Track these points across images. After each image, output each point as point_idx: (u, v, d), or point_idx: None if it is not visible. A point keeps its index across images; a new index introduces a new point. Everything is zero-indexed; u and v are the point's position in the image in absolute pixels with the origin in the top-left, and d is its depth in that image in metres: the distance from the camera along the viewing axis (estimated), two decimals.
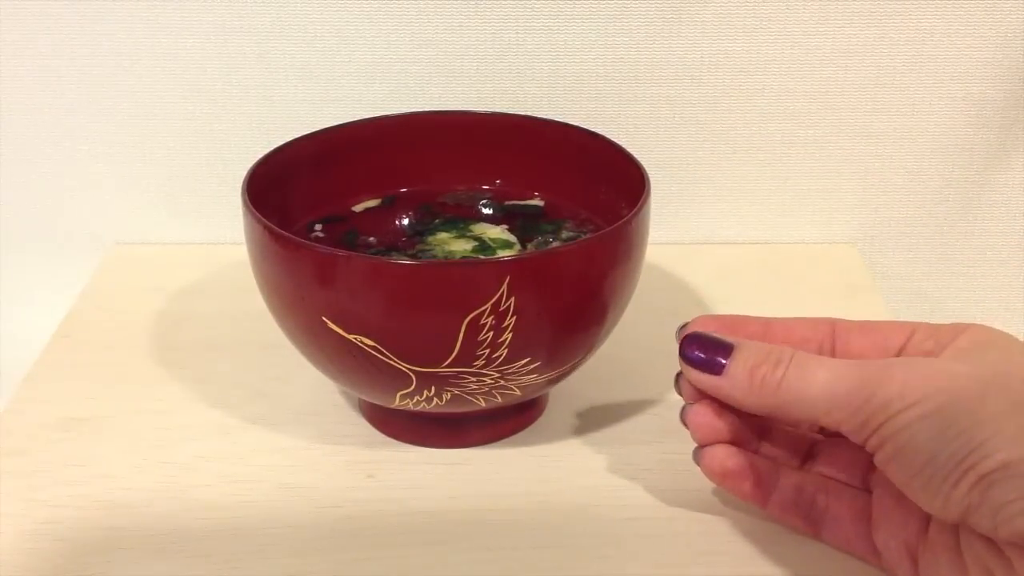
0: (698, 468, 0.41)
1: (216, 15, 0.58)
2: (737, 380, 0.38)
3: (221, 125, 0.61)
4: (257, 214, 0.42)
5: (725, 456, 0.40)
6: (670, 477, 0.45)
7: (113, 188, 0.63)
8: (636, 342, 0.49)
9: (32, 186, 0.62)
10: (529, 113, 0.54)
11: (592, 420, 0.49)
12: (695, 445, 0.41)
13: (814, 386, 0.36)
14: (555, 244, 0.49)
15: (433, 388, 0.42)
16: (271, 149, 0.48)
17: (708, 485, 0.44)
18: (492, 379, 0.42)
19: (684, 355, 0.39)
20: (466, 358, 0.40)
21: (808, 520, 0.41)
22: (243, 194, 0.44)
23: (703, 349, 0.39)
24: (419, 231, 0.51)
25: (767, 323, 0.41)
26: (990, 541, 0.34)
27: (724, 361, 0.38)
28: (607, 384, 0.51)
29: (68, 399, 0.50)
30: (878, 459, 0.36)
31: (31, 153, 0.62)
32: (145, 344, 0.54)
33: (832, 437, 0.42)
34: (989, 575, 0.34)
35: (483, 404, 0.43)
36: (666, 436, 0.47)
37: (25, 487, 0.45)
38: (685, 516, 0.43)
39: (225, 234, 0.62)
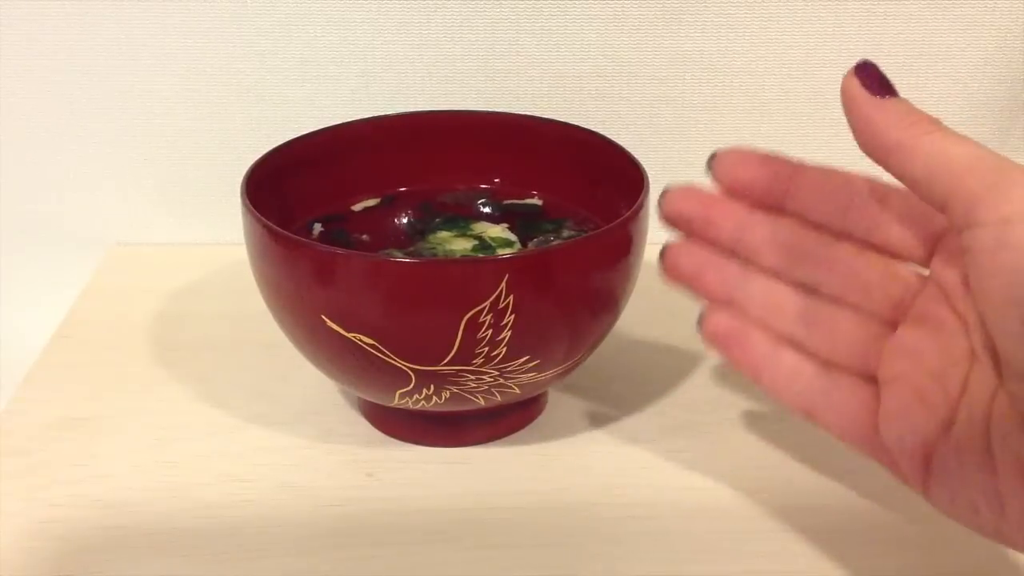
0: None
1: (216, 15, 0.58)
2: (893, 105, 0.36)
3: (221, 125, 0.61)
4: (256, 213, 0.42)
5: (722, 317, 0.39)
6: (671, 476, 0.45)
7: (113, 188, 0.63)
8: (636, 341, 0.49)
9: (32, 186, 0.62)
10: (529, 113, 0.54)
11: (592, 419, 0.49)
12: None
13: (961, 145, 0.34)
14: (555, 243, 0.49)
15: (432, 387, 0.42)
16: (271, 149, 0.48)
17: (708, 484, 0.44)
18: (491, 377, 0.42)
19: (857, 68, 0.37)
20: (465, 356, 0.40)
21: (801, 401, 0.38)
22: (242, 194, 0.44)
23: (879, 76, 0.37)
24: (419, 230, 0.52)
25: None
26: None
27: (891, 93, 0.36)
28: (607, 383, 0.51)
29: (68, 399, 0.50)
30: (977, 261, 0.32)
31: (31, 153, 0.62)
32: (145, 344, 0.54)
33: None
34: (1022, 468, 0.32)
35: (482, 403, 0.43)
36: (666, 435, 0.47)
37: (25, 487, 0.45)
38: (685, 515, 0.43)
39: (225, 234, 0.62)
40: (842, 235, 0.38)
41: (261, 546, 0.42)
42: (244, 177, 0.45)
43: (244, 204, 0.43)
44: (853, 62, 0.59)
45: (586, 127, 0.51)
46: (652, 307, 0.52)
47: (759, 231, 0.39)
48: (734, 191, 0.39)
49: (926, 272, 0.37)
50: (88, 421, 0.49)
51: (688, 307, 0.46)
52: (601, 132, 0.50)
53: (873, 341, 0.37)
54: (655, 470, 0.45)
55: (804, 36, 0.59)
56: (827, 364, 0.38)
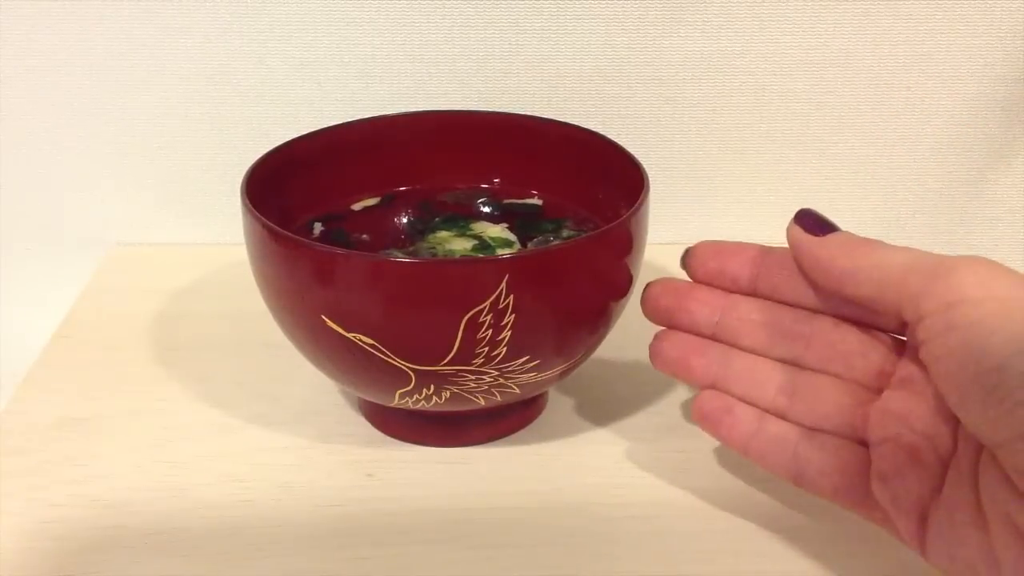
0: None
1: (216, 15, 0.58)
2: (832, 240, 0.38)
3: (221, 125, 0.61)
4: (256, 213, 0.42)
5: (709, 397, 0.41)
6: (670, 476, 0.45)
7: (113, 188, 0.63)
8: (636, 341, 0.49)
9: (32, 186, 0.62)
10: (529, 113, 0.54)
11: (592, 419, 0.49)
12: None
13: (899, 254, 0.36)
14: (555, 243, 0.49)
15: (432, 387, 0.42)
16: (271, 149, 0.48)
17: (708, 484, 0.44)
18: (491, 377, 0.42)
19: (797, 216, 0.40)
20: (465, 356, 0.40)
21: (790, 469, 0.39)
22: (242, 194, 0.44)
23: (817, 218, 0.39)
24: (419, 230, 0.52)
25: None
26: (1015, 490, 0.32)
27: (830, 230, 0.39)
28: (607, 383, 0.51)
29: (68, 399, 0.50)
30: (930, 349, 0.33)
31: (31, 153, 0.62)
32: (145, 344, 0.54)
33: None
34: (1011, 525, 0.32)
35: (482, 403, 0.43)
36: (666, 435, 0.47)
37: (25, 487, 0.44)
38: (685, 515, 0.43)
39: (225, 234, 0.62)
40: (817, 310, 0.40)
41: (261, 546, 0.42)
42: (244, 177, 0.45)
43: (244, 204, 0.43)
44: (853, 62, 0.59)
45: (586, 127, 0.51)
46: None
47: (737, 314, 0.42)
48: (709, 281, 0.42)
49: (903, 338, 0.38)
50: (88, 421, 0.49)
51: None
52: (601, 132, 0.50)
53: (859, 406, 0.39)
54: (655, 470, 0.45)
55: (804, 36, 0.59)
56: (813, 430, 0.39)
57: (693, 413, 0.42)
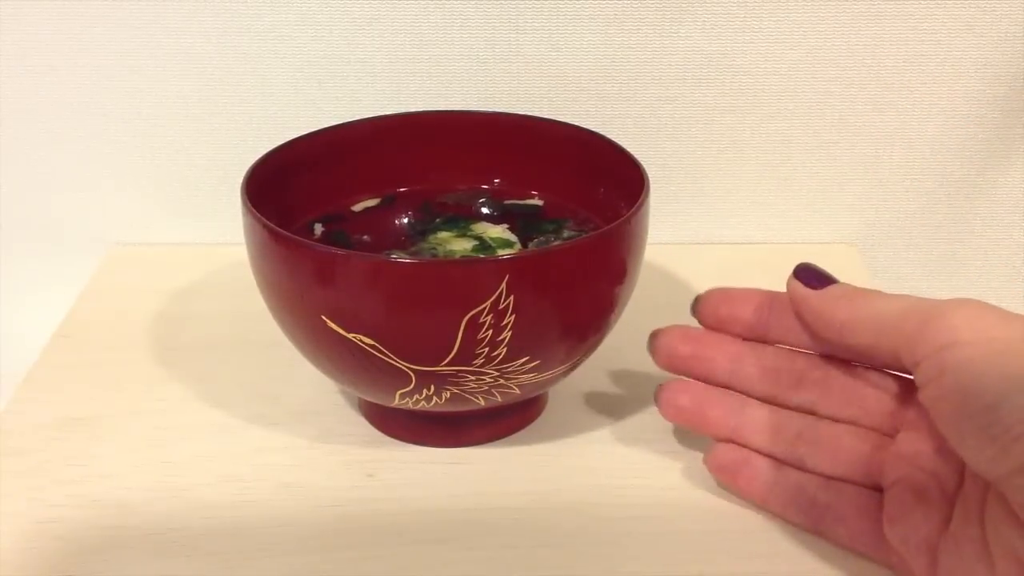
0: (695, 465, 0.42)
1: (216, 15, 0.58)
2: (831, 292, 0.39)
3: (221, 125, 0.61)
4: (256, 213, 0.42)
5: (726, 450, 0.42)
6: (670, 476, 0.45)
7: (113, 188, 0.63)
8: (636, 341, 0.49)
9: (32, 186, 0.62)
10: (529, 113, 0.54)
11: (592, 419, 0.49)
12: (702, 443, 0.42)
13: (895, 301, 0.37)
14: (556, 243, 0.49)
15: (432, 387, 0.42)
16: (271, 149, 0.48)
17: (708, 484, 0.44)
18: (491, 378, 0.42)
19: (796, 271, 0.41)
20: (465, 357, 0.40)
21: (808, 517, 0.41)
22: (243, 194, 0.44)
23: (816, 272, 0.40)
24: (420, 230, 0.52)
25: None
26: (1021, 525, 0.33)
27: (829, 283, 0.40)
28: (607, 383, 0.51)
29: (68, 399, 0.50)
30: (928, 392, 0.34)
31: (31, 153, 0.62)
32: (145, 344, 0.54)
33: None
34: (1017, 561, 0.33)
35: (482, 403, 0.43)
36: (666, 435, 0.47)
37: (25, 487, 0.45)
38: (685, 515, 0.43)
39: (225, 234, 0.62)
40: (827, 354, 0.41)
41: (261, 546, 0.42)
42: (244, 177, 0.45)
43: (244, 204, 0.43)
44: (853, 61, 0.59)
45: (586, 127, 0.51)
46: (652, 307, 0.52)
47: (752, 361, 0.42)
48: (720, 327, 0.43)
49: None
50: (88, 421, 0.49)
51: (687, 307, 0.46)
52: (601, 132, 0.50)
53: (875, 451, 0.39)
54: (655, 470, 0.45)
55: (804, 36, 0.59)
56: (831, 479, 0.40)
57: (708, 465, 0.43)
